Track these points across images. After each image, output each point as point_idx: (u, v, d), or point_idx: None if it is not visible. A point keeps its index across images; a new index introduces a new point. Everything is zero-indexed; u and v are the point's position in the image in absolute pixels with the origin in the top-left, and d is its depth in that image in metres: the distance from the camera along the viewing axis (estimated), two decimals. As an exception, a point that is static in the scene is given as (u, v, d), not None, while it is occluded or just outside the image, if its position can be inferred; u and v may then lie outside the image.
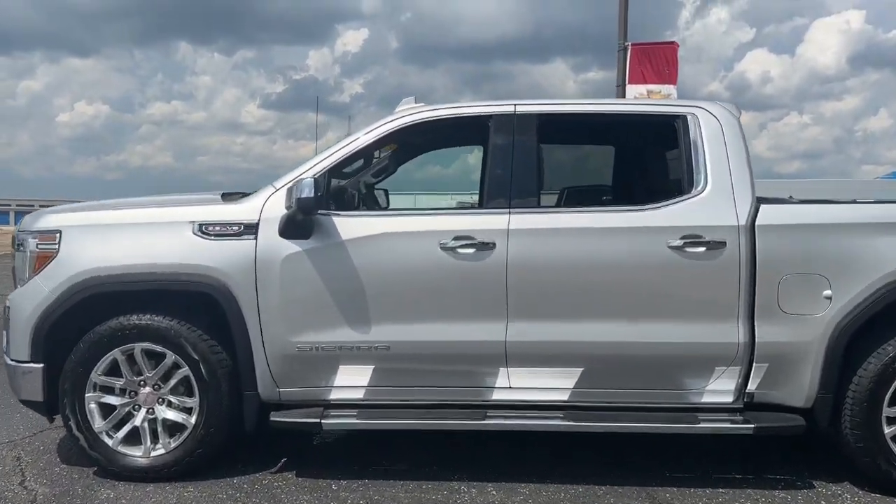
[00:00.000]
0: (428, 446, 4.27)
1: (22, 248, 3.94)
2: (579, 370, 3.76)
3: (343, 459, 4.17)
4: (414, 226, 3.83)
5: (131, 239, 3.83)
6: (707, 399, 3.75)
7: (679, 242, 3.66)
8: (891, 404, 3.62)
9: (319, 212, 3.73)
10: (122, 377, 3.81)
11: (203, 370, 3.75)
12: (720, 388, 3.74)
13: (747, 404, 3.75)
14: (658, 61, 13.42)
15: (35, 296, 3.77)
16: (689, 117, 3.92)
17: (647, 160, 4.70)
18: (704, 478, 3.89)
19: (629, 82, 13.29)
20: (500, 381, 3.79)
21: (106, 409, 3.85)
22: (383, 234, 3.77)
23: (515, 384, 3.79)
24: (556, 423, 3.74)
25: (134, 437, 3.84)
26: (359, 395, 3.82)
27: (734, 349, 3.67)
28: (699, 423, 3.69)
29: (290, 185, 3.77)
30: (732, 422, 3.70)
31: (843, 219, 3.77)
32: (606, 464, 4.07)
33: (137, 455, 3.83)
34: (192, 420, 3.80)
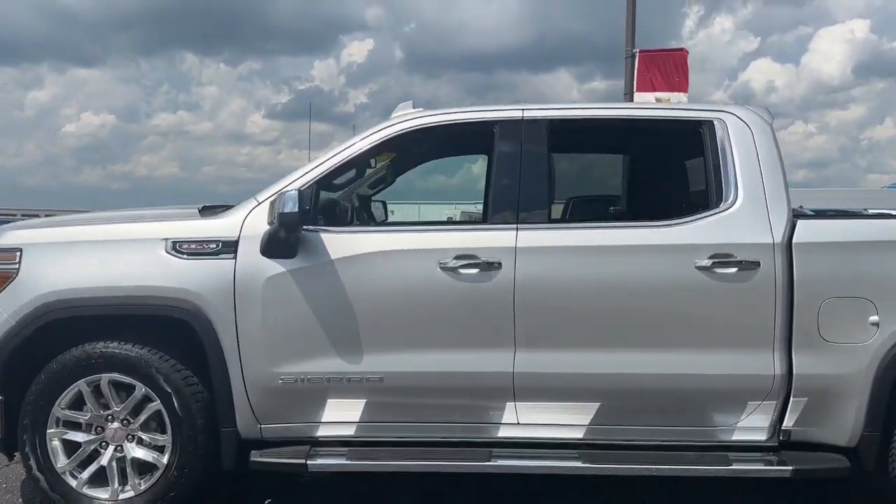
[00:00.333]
0: (427, 487, 3.96)
1: (-22, 268, 3.60)
2: (596, 405, 3.43)
3: (333, 500, 3.91)
4: (411, 243, 3.49)
5: (98, 258, 3.52)
6: (738, 437, 3.43)
7: (707, 262, 3.32)
8: (946, 444, 3.28)
9: (305, 228, 3.40)
10: (88, 411, 3.50)
11: (176, 404, 3.43)
12: (753, 426, 3.42)
13: (783, 443, 3.43)
14: (667, 69, 13.33)
15: (-8, 320, 3.47)
16: (716, 122, 3.59)
17: (669, 170, 4.33)
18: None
19: (637, 90, 13.21)
20: (507, 416, 3.46)
21: (70, 447, 3.52)
22: (377, 252, 3.45)
23: (524, 420, 3.46)
24: (571, 464, 3.40)
25: (101, 478, 3.51)
26: (349, 431, 3.50)
27: (769, 382, 3.35)
28: (731, 465, 3.37)
29: (273, 198, 3.42)
30: (767, 462, 3.39)
31: (892, 236, 3.44)
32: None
33: (104, 498, 3.51)
34: (164, 459, 3.47)
